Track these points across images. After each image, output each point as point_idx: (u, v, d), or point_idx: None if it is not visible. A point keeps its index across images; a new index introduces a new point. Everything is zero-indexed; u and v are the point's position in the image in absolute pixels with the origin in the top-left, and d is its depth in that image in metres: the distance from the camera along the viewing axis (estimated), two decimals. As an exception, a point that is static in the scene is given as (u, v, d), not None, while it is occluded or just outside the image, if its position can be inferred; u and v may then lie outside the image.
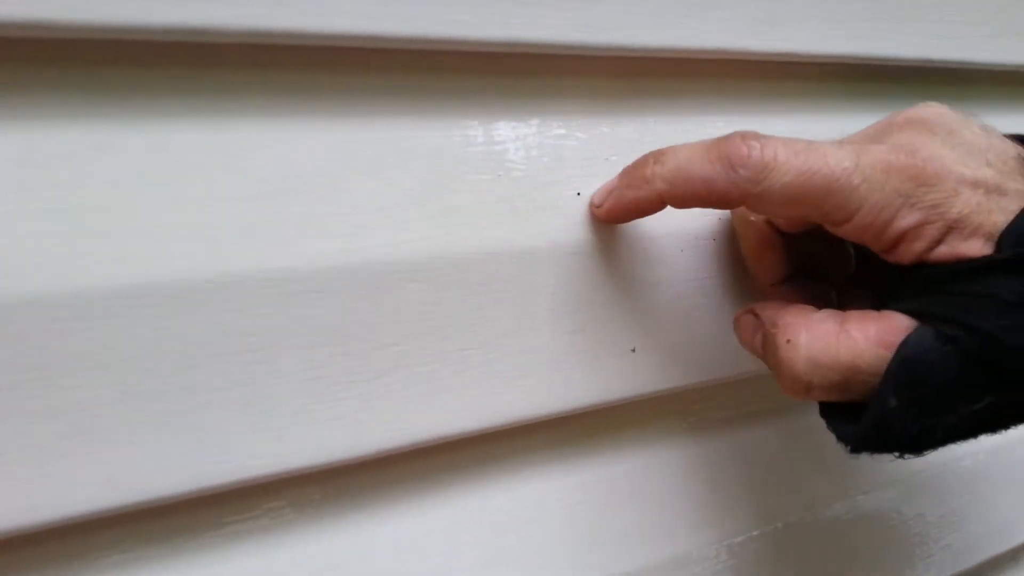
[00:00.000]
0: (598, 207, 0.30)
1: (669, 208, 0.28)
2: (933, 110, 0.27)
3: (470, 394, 0.29)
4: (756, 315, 0.29)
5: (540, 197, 0.30)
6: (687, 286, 0.34)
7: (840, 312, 0.26)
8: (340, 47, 0.26)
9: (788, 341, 0.25)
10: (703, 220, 0.34)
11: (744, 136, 0.25)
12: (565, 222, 0.31)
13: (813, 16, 0.35)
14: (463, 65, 0.30)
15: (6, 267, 0.22)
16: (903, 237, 0.24)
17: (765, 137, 0.25)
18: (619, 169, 0.30)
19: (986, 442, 0.44)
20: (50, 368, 0.22)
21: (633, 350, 0.32)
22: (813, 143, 0.25)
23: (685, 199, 0.27)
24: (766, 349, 0.27)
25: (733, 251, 0.35)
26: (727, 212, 0.34)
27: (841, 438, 0.26)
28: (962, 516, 0.44)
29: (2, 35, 0.21)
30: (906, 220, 0.24)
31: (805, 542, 0.39)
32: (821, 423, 0.40)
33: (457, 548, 0.31)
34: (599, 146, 0.32)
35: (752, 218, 0.31)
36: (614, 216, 0.30)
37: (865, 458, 0.38)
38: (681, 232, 0.33)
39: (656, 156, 0.28)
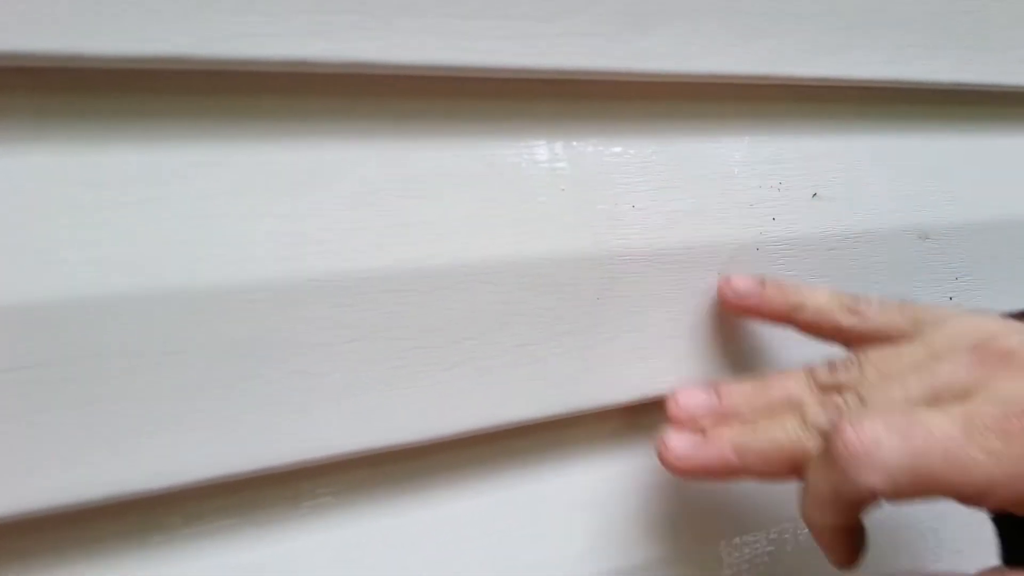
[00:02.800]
0: (678, 458, 0.29)
1: (712, 216, 0.31)
2: (1017, 340, 0.25)
3: (531, 385, 0.32)
4: None
5: (597, 208, 0.34)
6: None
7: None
8: (432, 76, 0.30)
9: None
10: (750, 232, 0.37)
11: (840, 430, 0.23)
12: (624, 231, 0.34)
13: (853, 45, 0.37)
14: (532, 90, 0.33)
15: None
16: None
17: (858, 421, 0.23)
18: (669, 180, 0.33)
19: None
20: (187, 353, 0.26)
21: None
22: (909, 415, 0.23)
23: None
24: None
25: (776, 258, 0.38)
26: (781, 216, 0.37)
27: None
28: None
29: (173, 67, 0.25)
30: None
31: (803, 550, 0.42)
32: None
33: (527, 525, 0.34)
34: (652, 163, 0.35)
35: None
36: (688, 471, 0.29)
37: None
38: (728, 240, 0.36)
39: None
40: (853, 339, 0.32)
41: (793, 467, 0.27)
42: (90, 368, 0.25)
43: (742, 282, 0.34)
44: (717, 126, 0.37)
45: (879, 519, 0.40)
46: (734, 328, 0.37)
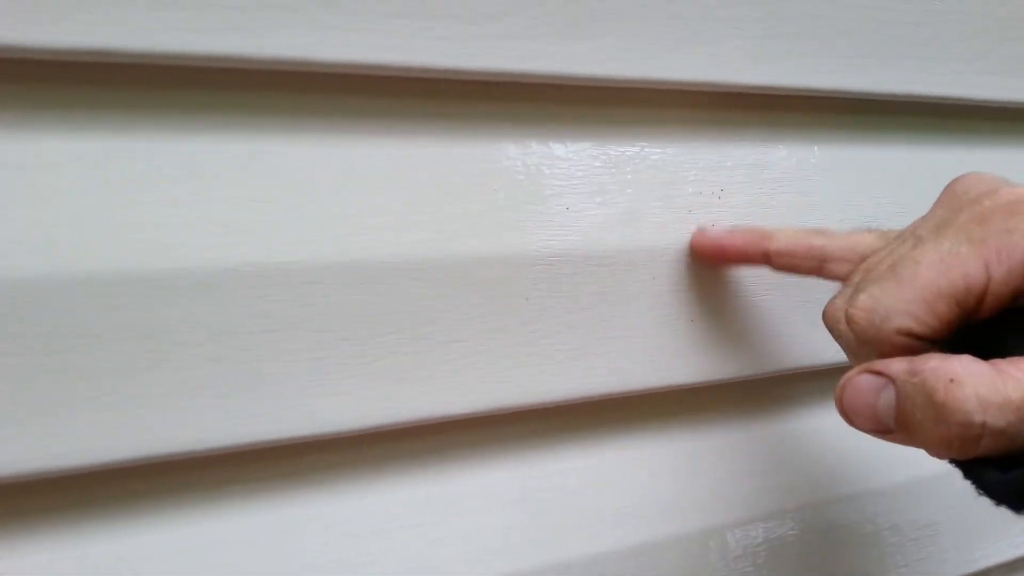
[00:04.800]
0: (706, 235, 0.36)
1: (648, 221, 0.31)
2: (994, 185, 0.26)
3: (456, 380, 0.33)
4: (879, 372, 0.25)
5: (529, 208, 0.34)
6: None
7: (976, 358, 0.23)
8: (361, 74, 0.30)
9: (951, 381, 0.22)
10: (688, 237, 0.37)
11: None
12: (557, 231, 0.34)
13: (797, 53, 0.38)
14: (467, 90, 0.33)
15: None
16: None
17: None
18: (606, 184, 0.34)
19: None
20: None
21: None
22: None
23: None
24: (906, 405, 0.24)
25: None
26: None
27: (986, 488, 0.24)
28: (938, 532, 0.46)
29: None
30: None
31: (780, 548, 0.42)
32: (796, 430, 0.42)
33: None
34: (589, 167, 0.36)
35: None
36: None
37: (844, 466, 0.41)
38: (664, 245, 0.37)
39: None
40: (826, 261, 0.32)
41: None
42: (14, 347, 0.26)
43: (714, 230, 0.37)
44: (658, 131, 0.38)
45: (847, 523, 0.40)
46: (665, 330, 0.37)
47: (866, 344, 0.26)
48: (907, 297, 0.25)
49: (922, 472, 0.45)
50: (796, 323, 0.40)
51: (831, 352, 0.41)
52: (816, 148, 0.41)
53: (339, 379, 0.30)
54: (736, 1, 0.36)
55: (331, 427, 0.30)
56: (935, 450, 0.24)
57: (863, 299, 0.26)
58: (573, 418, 0.37)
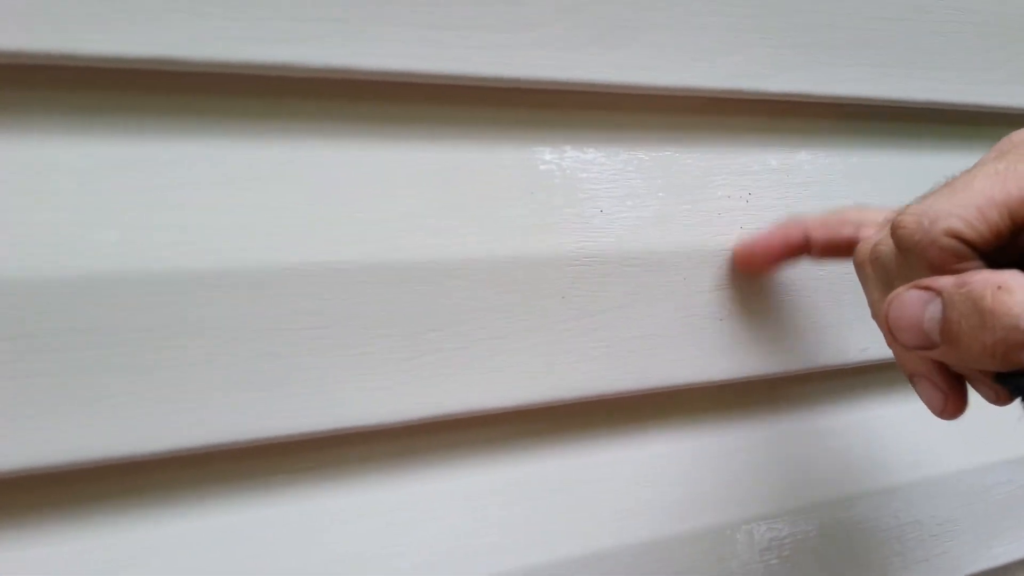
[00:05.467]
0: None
1: (678, 224, 0.32)
2: None
3: (495, 376, 0.34)
4: (926, 287, 0.25)
5: (565, 211, 0.35)
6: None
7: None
8: (406, 82, 0.32)
9: (999, 288, 0.22)
10: (717, 240, 0.38)
11: None
12: (591, 234, 0.36)
13: (819, 62, 0.39)
14: (505, 98, 0.35)
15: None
16: None
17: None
18: (638, 188, 0.35)
19: (990, 458, 0.47)
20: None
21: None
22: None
23: None
24: (952, 315, 0.24)
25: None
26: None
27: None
28: (958, 528, 0.47)
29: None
30: None
31: (805, 542, 0.43)
32: (821, 427, 0.43)
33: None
34: (622, 171, 0.37)
35: None
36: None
37: (867, 462, 0.41)
38: (694, 247, 0.38)
39: None
40: (863, 224, 0.33)
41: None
42: (69, 341, 0.27)
43: (752, 235, 0.38)
44: (687, 137, 0.39)
45: (869, 518, 0.41)
46: (694, 329, 0.38)
47: (910, 252, 0.26)
48: (960, 203, 0.24)
49: (943, 470, 0.46)
50: (821, 323, 0.42)
51: (854, 351, 0.43)
52: (839, 154, 0.42)
53: (385, 374, 0.32)
54: (762, 12, 0.37)
55: (376, 419, 0.32)
56: (978, 361, 0.23)
57: (912, 207, 0.26)
58: (606, 413, 0.39)
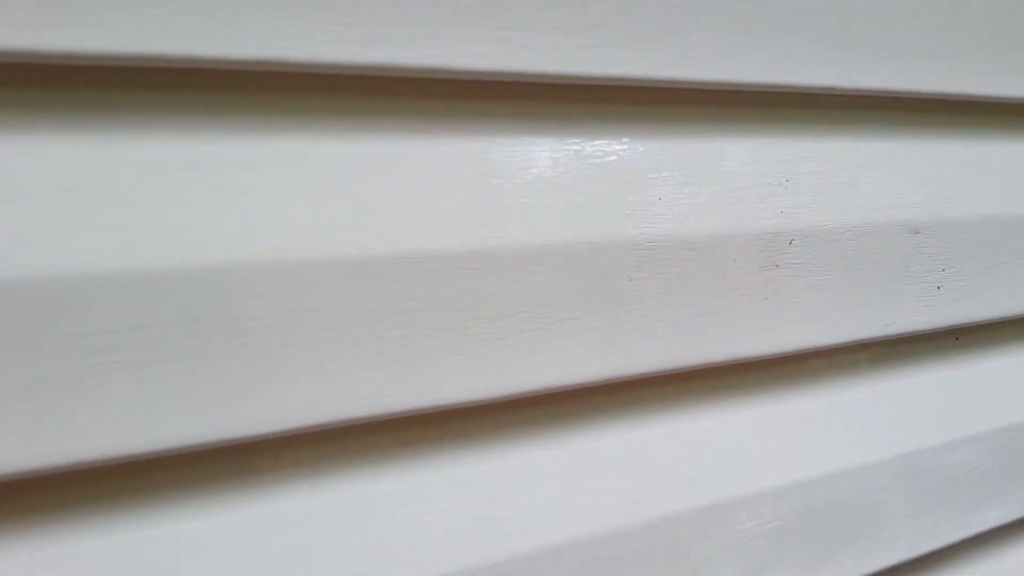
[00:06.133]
0: None
1: (728, 209, 0.35)
2: None
3: (571, 354, 0.37)
4: None
5: (628, 200, 0.38)
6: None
7: None
8: (491, 81, 0.34)
9: None
10: (762, 223, 0.41)
11: None
12: (653, 219, 0.38)
13: (854, 57, 0.42)
14: (568, 95, 0.37)
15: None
16: None
17: None
18: (690, 176, 0.38)
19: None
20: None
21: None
22: None
23: None
24: None
25: (785, 246, 0.42)
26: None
27: None
28: None
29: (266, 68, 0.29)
30: None
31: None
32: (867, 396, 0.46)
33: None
34: (675, 161, 0.40)
35: None
36: None
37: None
38: (743, 230, 0.41)
39: None
40: None
41: None
42: (195, 329, 0.29)
43: None
44: (730, 128, 0.42)
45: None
46: (744, 306, 0.41)
47: None
48: None
49: None
50: (858, 299, 0.45)
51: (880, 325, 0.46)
52: (869, 142, 0.46)
53: (481, 353, 0.34)
54: (808, 10, 0.40)
55: (474, 395, 0.34)
56: None
57: None
58: (671, 386, 0.41)
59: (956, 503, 0.52)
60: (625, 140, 0.39)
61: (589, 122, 0.38)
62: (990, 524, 0.54)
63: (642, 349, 0.38)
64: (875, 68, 0.43)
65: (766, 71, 0.40)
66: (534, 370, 0.35)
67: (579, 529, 0.38)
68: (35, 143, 0.27)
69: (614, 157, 0.38)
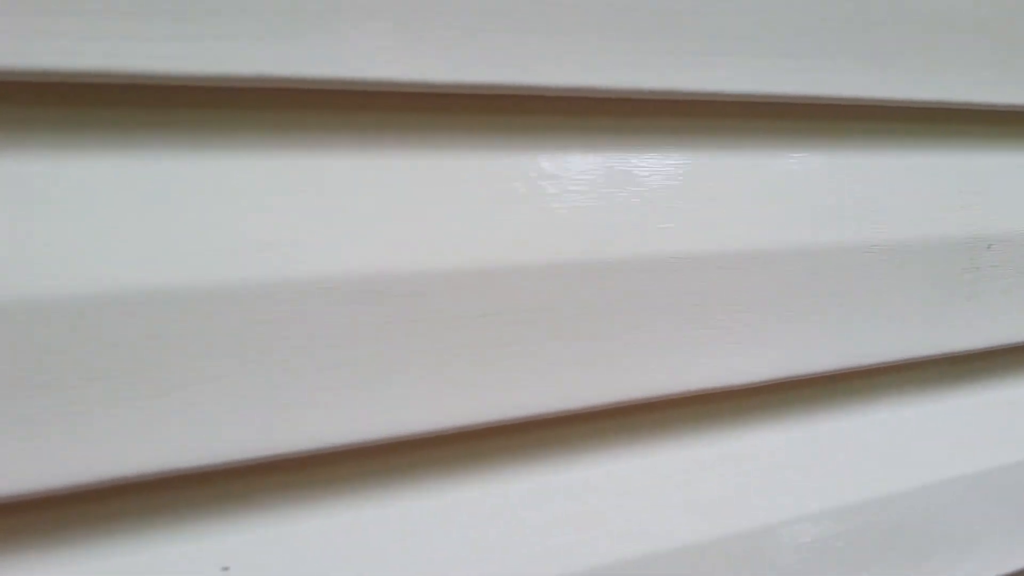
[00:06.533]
0: None
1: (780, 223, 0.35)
2: None
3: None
4: None
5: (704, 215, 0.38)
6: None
7: None
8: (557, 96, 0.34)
9: None
10: (823, 236, 0.41)
11: None
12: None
13: (896, 68, 0.43)
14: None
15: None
16: None
17: None
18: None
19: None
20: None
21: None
22: None
23: None
24: None
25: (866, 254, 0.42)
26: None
27: None
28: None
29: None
30: None
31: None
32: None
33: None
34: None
35: None
36: None
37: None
38: (803, 244, 0.41)
39: None
40: None
41: None
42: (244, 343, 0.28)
43: None
44: (809, 143, 0.42)
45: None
46: (815, 319, 0.41)
47: None
48: None
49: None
50: (950, 310, 0.45)
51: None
52: (904, 155, 0.46)
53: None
54: (846, 26, 0.41)
55: (579, 404, 0.34)
56: None
57: None
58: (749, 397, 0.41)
59: None
60: (708, 152, 0.39)
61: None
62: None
63: (719, 362, 0.38)
64: (937, 80, 0.43)
65: (804, 84, 0.41)
66: (633, 378, 0.35)
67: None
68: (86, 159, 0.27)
69: (693, 169, 0.38)
